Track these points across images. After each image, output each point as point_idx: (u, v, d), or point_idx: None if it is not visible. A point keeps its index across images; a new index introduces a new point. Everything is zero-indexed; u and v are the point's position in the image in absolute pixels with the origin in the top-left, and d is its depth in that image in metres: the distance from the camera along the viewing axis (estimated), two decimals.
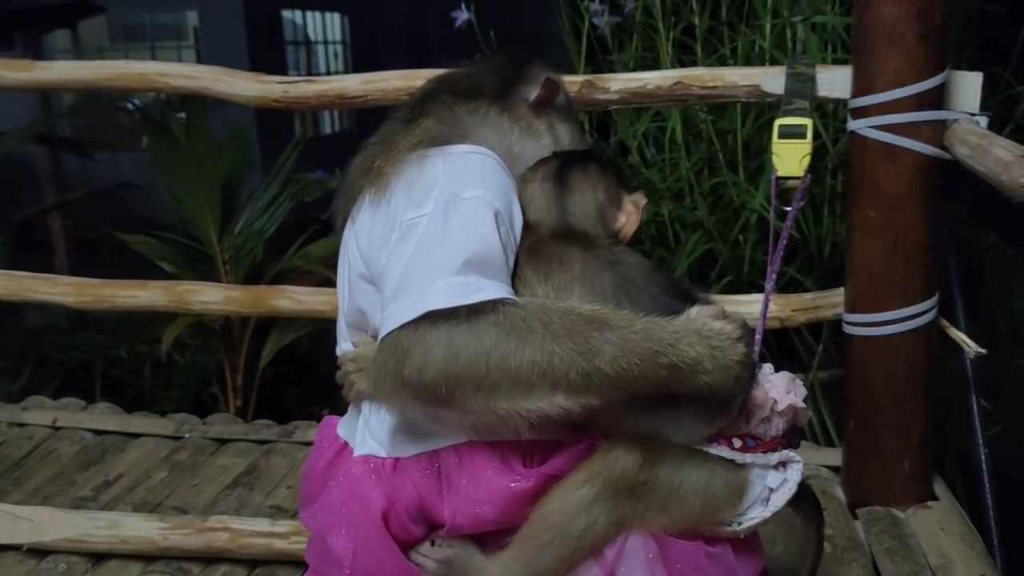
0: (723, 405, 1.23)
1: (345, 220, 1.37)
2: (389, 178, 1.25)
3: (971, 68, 2.08)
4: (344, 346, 1.36)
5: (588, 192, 1.36)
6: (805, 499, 1.35)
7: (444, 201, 1.18)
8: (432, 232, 1.16)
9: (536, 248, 1.28)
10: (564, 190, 1.34)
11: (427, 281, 1.12)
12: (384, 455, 1.26)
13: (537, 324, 1.10)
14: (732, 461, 1.25)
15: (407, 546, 1.25)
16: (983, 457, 2.16)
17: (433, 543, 1.25)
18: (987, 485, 2.14)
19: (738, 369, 1.16)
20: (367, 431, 1.29)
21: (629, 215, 1.39)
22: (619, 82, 2.21)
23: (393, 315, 1.13)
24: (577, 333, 1.10)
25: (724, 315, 1.19)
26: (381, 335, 1.15)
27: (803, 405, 1.30)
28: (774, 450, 1.28)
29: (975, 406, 2.20)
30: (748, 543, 1.31)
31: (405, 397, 1.13)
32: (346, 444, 1.35)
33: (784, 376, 1.32)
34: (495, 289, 1.13)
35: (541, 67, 1.47)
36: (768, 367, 1.36)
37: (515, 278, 1.24)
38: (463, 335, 1.09)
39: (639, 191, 1.44)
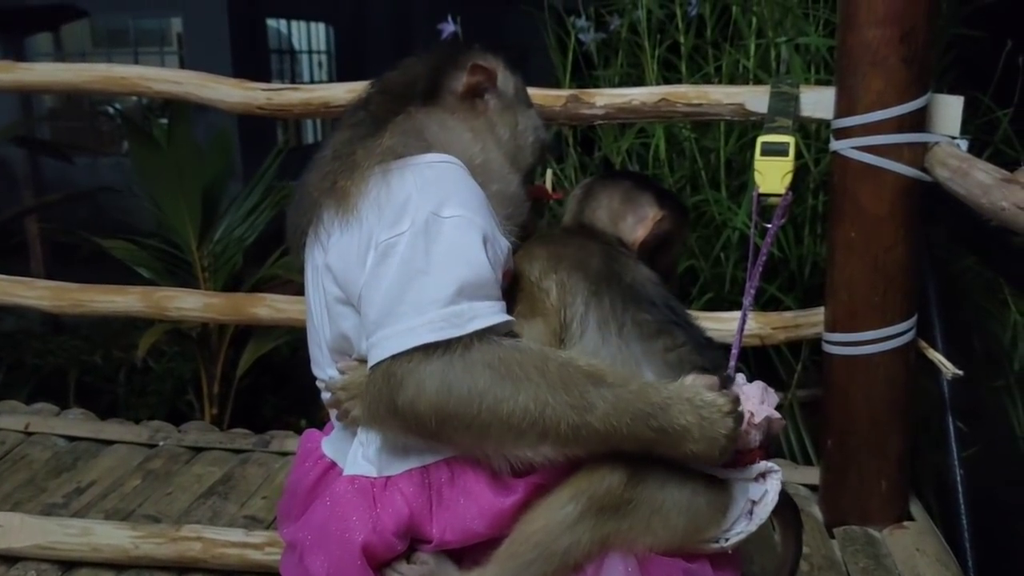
0: None
1: (305, 239, 1.30)
2: (356, 199, 1.19)
3: (952, 92, 2.10)
4: (329, 371, 1.32)
5: (604, 200, 1.47)
6: (784, 506, 1.35)
7: (423, 221, 1.14)
8: (414, 255, 1.13)
9: (544, 236, 1.41)
10: (587, 196, 1.49)
11: (417, 311, 1.11)
12: (375, 475, 1.23)
13: (534, 372, 1.10)
14: (713, 477, 1.25)
15: (389, 563, 1.23)
16: (959, 479, 2.17)
17: (409, 560, 1.23)
18: (963, 507, 2.15)
19: (723, 443, 1.16)
20: (360, 453, 1.26)
21: (646, 228, 1.45)
22: (605, 97, 2.21)
23: (383, 343, 1.12)
24: (573, 386, 1.11)
25: (718, 387, 1.20)
26: (372, 362, 1.13)
27: (777, 415, 1.31)
28: (752, 462, 1.29)
29: (951, 428, 2.21)
30: (726, 559, 1.31)
31: (396, 426, 1.14)
32: (333, 464, 1.33)
33: (757, 386, 1.33)
34: (488, 314, 1.13)
35: (476, 54, 1.39)
36: (740, 377, 1.36)
37: (521, 253, 1.31)
38: (458, 374, 1.09)
39: (664, 210, 1.47)
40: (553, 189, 1.60)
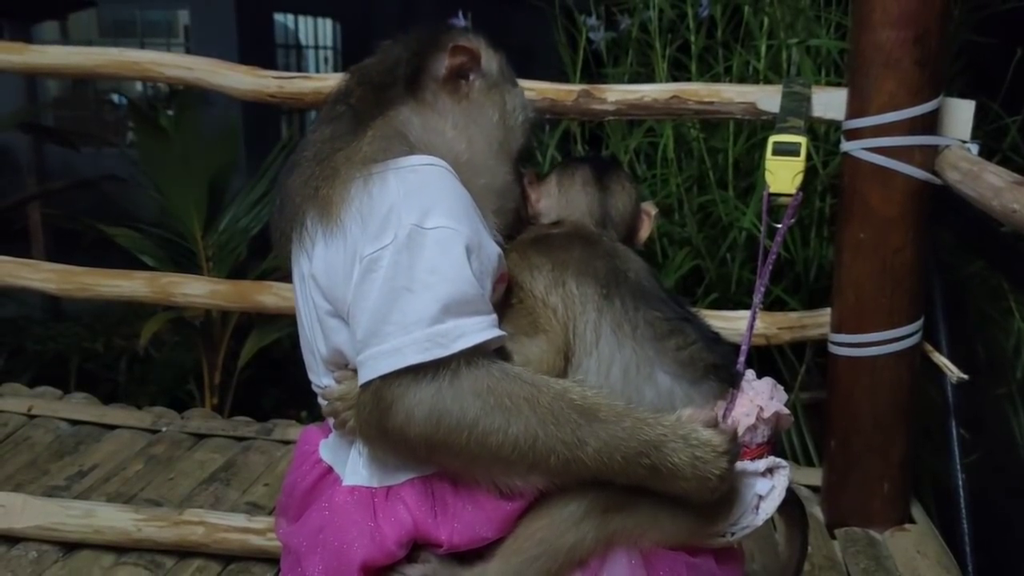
0: None
1: (290, 242, 1.26)
2: (339, 208, 1.15)
3: (962, 98, 2.11)
4: (325, 380, 1.29)
5: (625, 196, 1.45)
6: (790, 503, 1.35)
7: (405, 235, 1.11)
8: (397, 272, 1.10)
9: (544, 239, 1.34)
10: (607, 193, 1.43)
11: (403, 329, 1.09)
12: (376, 485, 1.22)
13: (524, 405, 1.09)
14: None
15: (392, 567, 1.22)
16: (961, 483, 2.17)
17: (411, 559, 1.23)
18: (964, 511, 2.15)
19: (716, 483, 1.14)
20: (360, 462, 1.25)
21: (645, 221, 1.46)
22: (616, 93, 2.21)
23: (370, 362, 1.10)
24: (564, 422, 1.10)
25: (716, 423, 1.18)
26: (361, 380, 1.12)
27: (786, 411, 1.31)
28: (761, 457, 1.29)
29: (954, 432, 2.21)
30: (730, 553, 1.31)
31: (387, 447, 1.15)
32: (330, 469, 1.31)
33: (767, 382, 1.33)
34: (475, 331, 1.11)
35: (457, 35, 1.32)
36: (750, 373, 1.36)
37: (517, 260, 1.28)
38: (447, 403, 1.08)
39: (648, 200, 1.49)
40: None
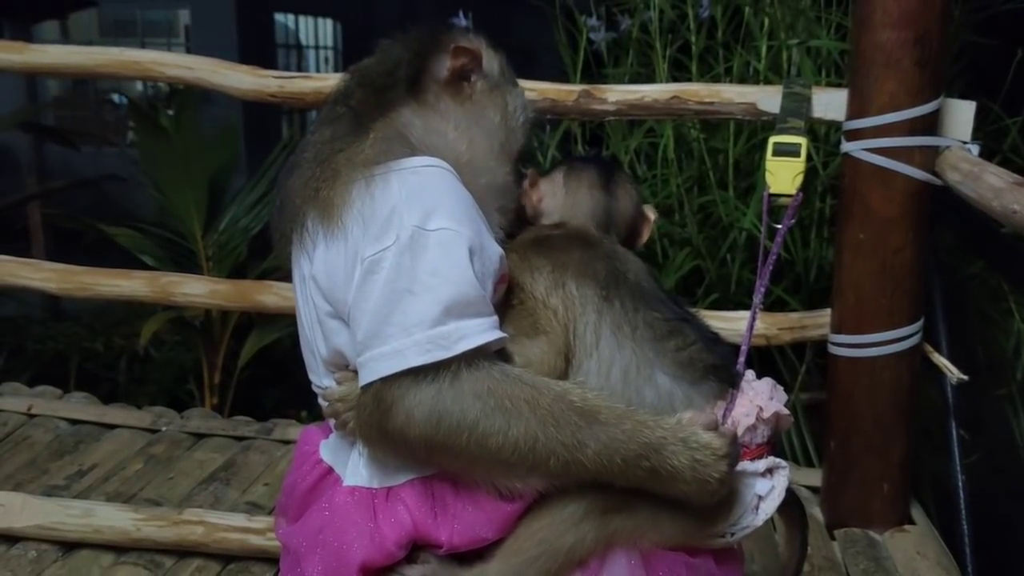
0: None
1: (290, 243, 1.26)
2: (339, 210, 1.15)
3: (963, 98, 2.11)
4: (325, 381, 1.29)
5: (628, 200, 1.45)
6: (790, 504, 1.35)
7: (408, 236, 1.10)
8: (399, 273, 1.10)
9: (544, 240, 1.34)
10: (612, 197, 1.43)
11: (404, 331, 1.09)
12: (376, 486, 1.22)
13: (524, 406, 1.09)
14: None
15: (391, 568, 1.22)
16: (961, 484, 2.17)
17: (411, 559, 1.23)
18: (964, 512, 2.15)
19: (715, 486, 1.15)
20: (361, 463, 1.25)
21: (645, 225, 1.47)
22: (616, 93, 2.21)
23: (371, 363, 1.11)
24: (565, 424, 1.10)
25: (716, 426, 1.18)
26: (362, 381, 1.13)
27: (786, 411, 1.31)
28: (760, 457, 1.29)
29: (954, 433, 2.21)
30: (730, 553, 1.31)
31: (387, 449, 1.15)
32: (330, 469, 1.31)
33: (766, 382, 1.33)
34: (476, 333, 1.11)
35: (458, 35, 1.32)
36: (750, 373, 1.36)
37: (517, 261, 1.28)
38: (447, 404, 1.08)
39: (647, 204, 1.49)
40: None
